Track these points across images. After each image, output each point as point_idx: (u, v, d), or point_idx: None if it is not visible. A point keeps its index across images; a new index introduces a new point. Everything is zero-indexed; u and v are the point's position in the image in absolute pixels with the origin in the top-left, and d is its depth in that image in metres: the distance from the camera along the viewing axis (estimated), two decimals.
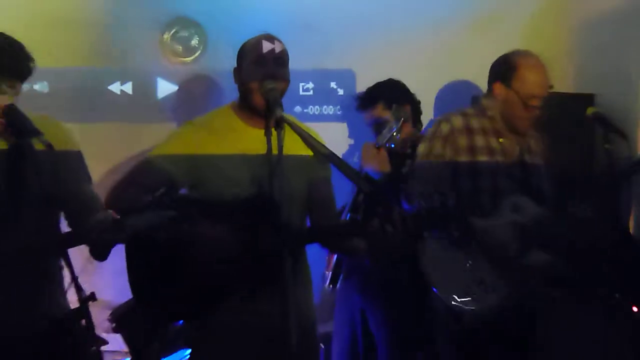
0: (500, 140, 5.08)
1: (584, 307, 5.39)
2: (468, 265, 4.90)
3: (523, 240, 4.87)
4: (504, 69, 5.11)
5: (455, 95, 6.57)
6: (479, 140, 5.08)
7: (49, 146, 4.02)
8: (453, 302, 4.94)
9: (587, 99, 6.27)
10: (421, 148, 5.17)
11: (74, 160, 4.41)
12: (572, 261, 5.12)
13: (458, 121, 5.14)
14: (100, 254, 4.23)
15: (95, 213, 4.33)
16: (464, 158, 5.06)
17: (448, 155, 5.08)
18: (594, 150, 6.15)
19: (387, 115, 5.89)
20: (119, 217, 4.28)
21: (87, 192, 4.45)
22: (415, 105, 6.06)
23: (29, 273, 4.20)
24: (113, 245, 4.21)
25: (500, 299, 4.88)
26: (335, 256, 5.81)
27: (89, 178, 4.50)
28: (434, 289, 4.99)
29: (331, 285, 6.00)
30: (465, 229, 4.61)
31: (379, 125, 5.91)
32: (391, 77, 6.09)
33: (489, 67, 5.20)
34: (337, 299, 6.00)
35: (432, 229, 4.64)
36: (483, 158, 5.05)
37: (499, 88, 5.10)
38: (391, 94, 6.00)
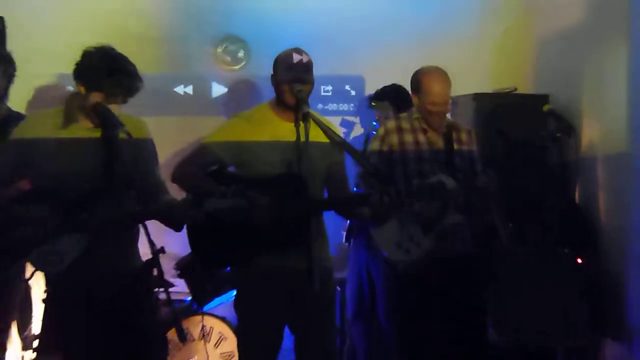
0: (427, 135, 5.10)
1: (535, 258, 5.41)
2: (402, 224, 4.95)
3: (442, 205, 4.91)
4: (414, 82, 5.15)
5: None
6: (408, 137, 5.10)
7: (129, 135, 4.05)
8: (389, 254, 5.04)
9: (543, 98, 6.23)
10: (369, 146, 5.22)
11: (147, 147, 4.42)
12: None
13: (391, 124, 5.20)
14: (178, 226, 4.26)
15: (161, 192, 4.40)
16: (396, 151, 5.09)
17: (385, 150, 5.12)
18: (546, 140, 6.14)
19: (388, 111, 5.95)
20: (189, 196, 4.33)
21: (156, 174, 4.47)
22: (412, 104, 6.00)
23: (116, 234, 4.22)
24: (190, 220, 4.25)
25: (425, 251, 4.94)
26: (348, 220, 5.85)
27: (158, 162, 4.52)
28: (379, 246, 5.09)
29: (346, 242, 6.06)
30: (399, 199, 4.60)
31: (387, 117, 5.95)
32: (394, 82, 6.10)
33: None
34: (350, 253, 6.03)
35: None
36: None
37: (413, 97, 5.16)
38: (395, 96, 6.02)
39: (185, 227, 4.37)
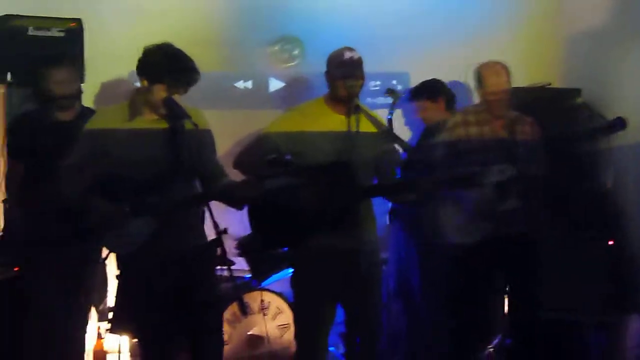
0: (492, 127, 5.01)
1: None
2: (462, 209, 4.93)
3: (501, 192, 4.81)
4: (475, 77, 5.07)
5: None
6: (473, 129, 5.03)
7: (195, 125, 4.07)
8: (449, 236, 4.99)
9: (575, 92, 6.15)
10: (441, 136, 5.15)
11: (208, 135, 4.40)
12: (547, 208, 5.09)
13: (459, 117, 5.14)
14: (240, 205, 4.22)
15: (222, 176, 4.41)
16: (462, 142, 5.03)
17: (452, 141, 5.07)
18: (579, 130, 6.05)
19: (428, 103, 5.91)
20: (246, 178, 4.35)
21: (215, 160, 4.46)
22: (449, 97, 5.96)
23: (183, 216, 4.23)
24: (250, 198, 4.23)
25: (482, 236, 4.89)
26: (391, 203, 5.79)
27: (215, 149, 4.50)
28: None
29: (390, 223, 6.00)
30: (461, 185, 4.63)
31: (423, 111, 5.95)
32: (434, 77, 6.02)
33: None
34: (391, 234, 5.97)
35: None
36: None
37: (477, 92, 5.08)
38: (430, 89, 5.96)
39: (246, 209, 4.39)
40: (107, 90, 6.30)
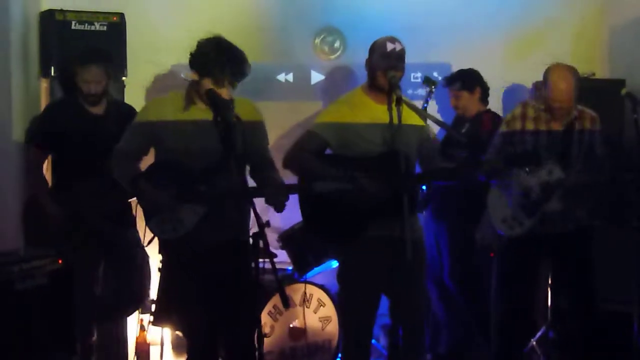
0: (550, 125, 4.95)
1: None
2: (510, 203, 4.96)
3: (547, 192, 4.84)
4: (543, 76, 4.95)
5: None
6: (530, 124, 4.97)
7: (238, 118, 4.09)
8: (496, 226, 5.02)
9: (620, 83, 6.12)
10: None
11: (258, 127, 4.46)
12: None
13: (518, 110, 5.07)
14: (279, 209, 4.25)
15: (270, 169, 4.46)
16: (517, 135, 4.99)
17: (507, 133, 5.04)
18: (624, 121, 6.01)
19: (463, 92, 5.91)
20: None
21: (265, 151, 4.53)
22: (484, 88, 5.97)
23: (230, 206, 4.26)
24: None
25: (523, 231, 4.92)
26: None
27: (267, 141, 4.57)
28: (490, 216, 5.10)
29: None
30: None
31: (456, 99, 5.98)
32: (476, 68, 5.99)
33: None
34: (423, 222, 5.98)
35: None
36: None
37: (543, 90, 4.97)
38: (468, 78, 5.96)
39: (298, 202, 4.49)
40: (158, 82, 6.37)
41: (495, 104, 6.08)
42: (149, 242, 4.47)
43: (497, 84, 6.16)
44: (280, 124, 6.07)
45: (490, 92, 6.02)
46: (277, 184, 4.31)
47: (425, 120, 4.53)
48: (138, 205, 4.49)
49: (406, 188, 4.20)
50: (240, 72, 4.20)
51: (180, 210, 4.20)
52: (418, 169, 4.68)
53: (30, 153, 5.16)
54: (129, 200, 5.08)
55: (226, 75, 4.15)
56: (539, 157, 4.52)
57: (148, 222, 4.32)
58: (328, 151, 4.62)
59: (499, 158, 4.70)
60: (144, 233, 4.60)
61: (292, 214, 4.66)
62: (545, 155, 4.78)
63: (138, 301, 5.30)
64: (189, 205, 4.19)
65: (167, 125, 4.24)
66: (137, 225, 5.09)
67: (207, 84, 4.15)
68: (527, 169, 4.81)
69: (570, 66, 5.00)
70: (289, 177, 4.57)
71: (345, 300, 4.70)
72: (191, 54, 4.24)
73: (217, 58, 4.13)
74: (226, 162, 3.99)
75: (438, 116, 6.07)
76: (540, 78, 5.24)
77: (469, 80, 5.94)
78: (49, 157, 5.27)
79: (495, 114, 5.93)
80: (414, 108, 4.44)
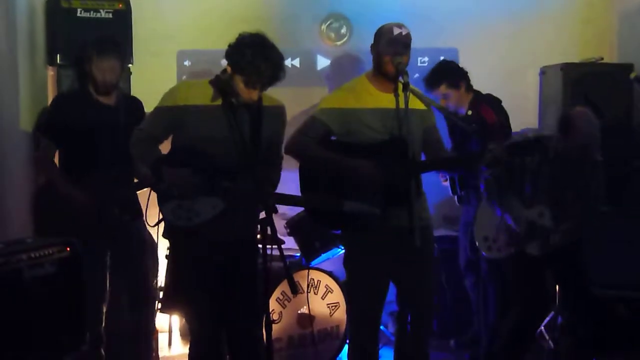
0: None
1: None
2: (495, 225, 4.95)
3: (531, 233, 4.84)
4: (564, 122, 4.86)
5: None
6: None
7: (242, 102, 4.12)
8: (475, 239, 5.07)
9: (628, 67, 6.12)
10: None
11: (279, 131, 4.45)
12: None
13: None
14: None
15: (277, 170, 4.47)
16: None
17: None
18: (632, 105, 6.01)
19: (450, 91, 5.77)
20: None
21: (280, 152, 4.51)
22: (466, 77, 5.82)
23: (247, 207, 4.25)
24: None
25: (499, 257, 4.99)
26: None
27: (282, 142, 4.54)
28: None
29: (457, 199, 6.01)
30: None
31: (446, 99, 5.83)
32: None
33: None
34: (462, 209, 5.98)
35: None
36: None
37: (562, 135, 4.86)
38: (450, 77, 5.79)
39: (300, 190, 4.50)
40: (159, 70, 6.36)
41: (500, 90, 6.00)
42: (156, 224, 4.45)
43: (504, 68, 6.13)
44: (287, 109, 6.07)
45: (496, 76, 5.98)
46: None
47: (429, 107, 4.50)
48: (146, 196, 4.48)
49: (409, 175, 4.22)
50: (275, 77, 4.12)
51: (198, 201, 4.16)
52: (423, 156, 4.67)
53: (41, 143, 5.17)
54: (136, 192, 5.11)
55: (258, 77, 4.07)
56: (541, 145, 4.51)
57: (162, 207, 4.27)
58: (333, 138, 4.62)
59: (500, 147, 4.68)
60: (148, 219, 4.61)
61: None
62: (540, 195, 4.81)
63: (151, 294, 5.30)
64: (209, 198, 4.16)
65: (193, 111, 4.16)
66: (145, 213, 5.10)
67: (239, 81, 4.08)
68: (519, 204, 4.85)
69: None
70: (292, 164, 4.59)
71: (352, 286, 4.69)
72: (230, 45, 4.14)
73: (253, 59, 4.03)
74: (251, 157, 4.00)
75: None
76: (548, 63, 5.26)
77: (452, 79, 5.79)
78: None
79: (487, 99, 5.78)
80: (418, 95, 4.42)
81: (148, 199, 4.48)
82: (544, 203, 4.83)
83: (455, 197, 5.91)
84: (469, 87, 5.83)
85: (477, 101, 5.76)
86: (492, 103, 5.73)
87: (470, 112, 5.73)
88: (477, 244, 5.08)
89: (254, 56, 4.03)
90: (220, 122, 4.13)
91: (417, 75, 6.43)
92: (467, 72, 5.84)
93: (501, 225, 4.91)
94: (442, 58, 6.36)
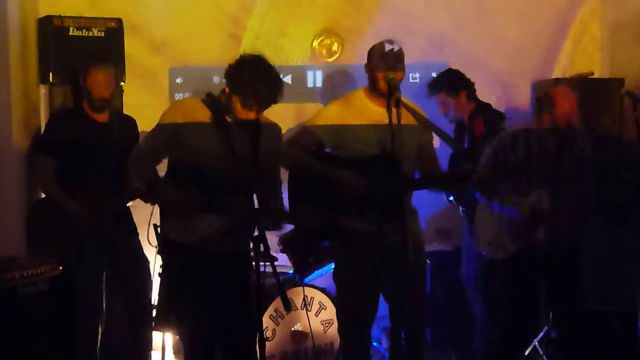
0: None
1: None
2: (497, 224, 4.89)
3: (534, 220, 4.81)
4: (546, 97, 4.86)
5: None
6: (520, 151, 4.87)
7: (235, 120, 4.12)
8: (480, 246, 5.04)
9: (619, 82, 6.19)
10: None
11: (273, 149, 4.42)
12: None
13: (508, 139, 4.94)
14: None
15: (277, 192, 4.47)
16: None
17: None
18: (622, 119, 6.07)
19: (449, 99, 5.84)
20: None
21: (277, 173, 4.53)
22: (469, 87, 5.88)
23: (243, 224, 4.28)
24: None
25: (507, 255, 4.88)
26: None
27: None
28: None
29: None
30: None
31: (445, 107, 5.92)
32: (474, 68, 6.00)
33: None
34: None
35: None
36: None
37: (544, 110, 4.86)
38: (449, 84, 5.88)
39: (288, 201, 4.49)
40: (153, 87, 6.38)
41: (492, 105, 6.03)
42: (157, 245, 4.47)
43: (495, 83, 6.16)
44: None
45: (488, 91, 6.01)
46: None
47: (424, 124, 4.47)
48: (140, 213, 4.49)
49: (399, 190, 4.25)
50: (272, 99, 4.13)
51: (196, 217, 4.19)
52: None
53: (37, 161, 5.17)
54: (129, 207, 5.13)
55: (253, 100, 4.08)
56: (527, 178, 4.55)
57: (162, 223, 4.32)
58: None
59: (488, 170, 4.71)
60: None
61: None
62: (535, 181, 4.81)
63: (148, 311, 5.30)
64: (206, 215, 4.18)
65: (191, 128, 4.16)
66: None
67: (236, 101, 4.08)
68: (516, 195, 4.83)
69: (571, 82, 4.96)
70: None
71: (342, 300, 4.71)
72: (230, 65, 4.15)
73: (250, 81, 4.03)
74: (242, 173, 4.02)
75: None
76: (538, 77, 5.29)
77: (451, 86, 5.86)
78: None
79: (486, 112, 5.82)
80: (412, 111, 4.41)
81: (150, 217, 4.50)
82: (539, 188, 4.85)
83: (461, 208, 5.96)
84: (471, 97, 5.88)
85: (475, 112, 5.81)
86: (487, 115, 5.76)
87: (467, 122, 5.80)
88: (482, 251, 5.05)
89: (252, 78, 4.03)
90: (215, 139, 4.13)
91: (408, 91, 6.47)
92: (471, 83, 5.90)
93: (502, 223, 4.90)
94: (433, 74, 6.41)
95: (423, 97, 5.93)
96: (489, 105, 5.91)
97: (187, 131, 4.16)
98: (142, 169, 4.30)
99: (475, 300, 5.91)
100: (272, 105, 4.16)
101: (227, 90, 4.16)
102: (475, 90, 5.92)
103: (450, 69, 6.02)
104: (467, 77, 5.92)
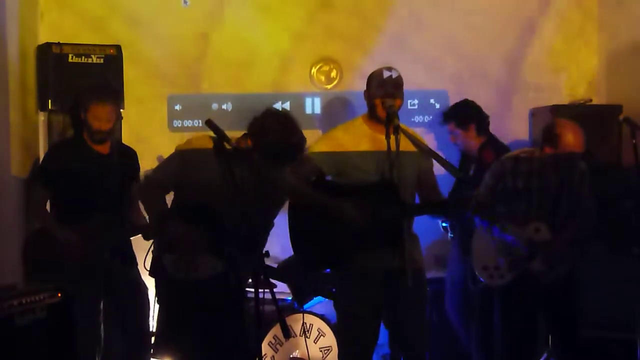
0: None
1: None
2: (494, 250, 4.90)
3: (531, 250, 4.80)
4: (548, 134, 4.81)
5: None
6: (520, 182, 4.88)
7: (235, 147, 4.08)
8: (475, 271, 5.00)
9: (617, 109, 6.21)
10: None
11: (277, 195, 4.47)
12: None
13: (509, 164, 4.95)
14: None
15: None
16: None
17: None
18: (621, 146, 6.09)
19: (458, 130, 5.89)
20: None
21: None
22: (480, 120, 5.91)
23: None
24: None
25: (504, 283, 4.89)
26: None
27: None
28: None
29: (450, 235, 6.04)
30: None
31: (454, 137, 5.96)
32: (473, 95, 6.01)
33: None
34: (451, 249, 6.00)
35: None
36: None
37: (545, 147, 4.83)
38: (460, 116, 5.92)
39: (289, 228, 4.49)
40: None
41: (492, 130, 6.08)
42: (145, 264, 4.46)
43: (494, 110, 6.16)
44: None
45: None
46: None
47: (423, 151, 4.51)
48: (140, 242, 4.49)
49: (398, 217, 4.25)
50: (293, 159, 4.20)
51: (199, 257, 4.19)
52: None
53: (35, 191, 5.17)
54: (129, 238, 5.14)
55: (271, 157, 4.14)
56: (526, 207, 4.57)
57: (163, 256, 4.31)
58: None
59: (487, 194, 4.74)
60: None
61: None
62: (533, 210, 4.81)
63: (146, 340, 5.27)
64: (210, 257, 4.18)
65: (200, 161, 4.20)
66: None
67: (258, 154, 4.13)
68: (514, 222, 4.83)
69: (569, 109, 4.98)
70: None
71: (343, 327, 4.70)
72: (255, 118, 4.20)
73: (273, 143, 4.10)
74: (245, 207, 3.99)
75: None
76: (537, 105, 5.29)
77: (462, 118, 5.89)
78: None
79: (497, 146, 5.84)
80: (411, 138, 4.45)
81: (150, 246, 4.52)
82: (537, 219, 4.84)
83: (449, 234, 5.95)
84: (482, 131, 5.90)
85: (486, 145, 5.82)
86: (497, 148, 5.76)
87: (477, 154, 5.82)
88: (477, 274, 5.01)
89: (277, 140, 4.09)
90: (220, 172, 4.08)
91: (407, 118, 6.48)
92: (484, 116, 5.93)
93: (500, 250, 4.89)
94: (431, 101, 6.43)
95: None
96: (500, 142, 5.94)
97: (195, 161, 4.21)
98: (150, 199, 4.35)
99: (464, 330, 5.91)
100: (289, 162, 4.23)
101: (249, 142, 4.17)
102: (488, 124, 5.95)
103: (467, 100, 6.02)
104: (481, 110, 5.94)
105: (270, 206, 4.36)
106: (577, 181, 4.90)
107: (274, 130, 4.10)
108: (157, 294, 4.48)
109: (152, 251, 4.38)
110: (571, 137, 4.73)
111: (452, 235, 5.96)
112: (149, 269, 4.43)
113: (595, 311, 5.16)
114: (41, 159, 5.35)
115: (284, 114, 4.24)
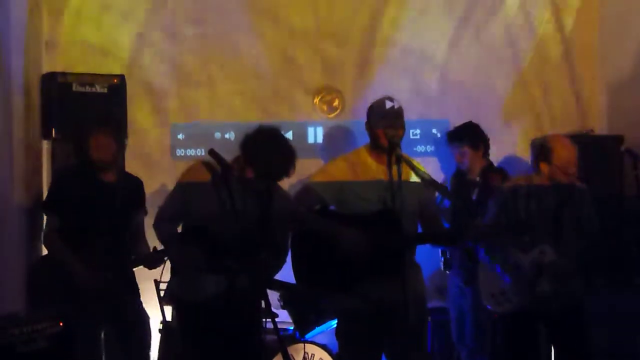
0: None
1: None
2: (499, 277, 4.91)
3: (537, 273, 4.77)
4: (542, 149, 4.89)
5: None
6: (522, 204, 4.92)
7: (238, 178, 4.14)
8: (484, 300, 5.00)
9: (618, 139, 6.21)
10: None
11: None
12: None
13: (510, 186, 5.04)
14: None
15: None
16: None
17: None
18: (622, 176, 6.07)
19: (468, 150, 5.90)
20: None
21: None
22: (486, 143, 5.98)
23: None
24: None
25: (512, 308, 4.86)
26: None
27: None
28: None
29: (445, 269, 6.02)
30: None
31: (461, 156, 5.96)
32: (476, 124, 6.03)
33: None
34: (449, 281, 5.98)
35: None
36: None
37: (540, 163, 4.90)
38: (473, 135, 5.95)
39: (290, 258, 4.50)
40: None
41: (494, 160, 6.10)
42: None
43: (494, 140, 6.17)
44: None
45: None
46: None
47: (424, 181, 4.47)
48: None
49: (399, 247, 4.25)
50: (286, 174, 4.20)
51: (204, 277, 4.21)
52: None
53: (49, 221, 5.15)
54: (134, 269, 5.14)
55: (263, 174, 4.14)
56: (529, 228, 4.56)
57: (172, 279, 4.41)
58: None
59: (492, 224, 4.73)
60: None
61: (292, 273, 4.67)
62: (537, 234, 4.80)
63: None
64: (214, 276, 4.19)
65: (201, 189, 4.22)
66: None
67: (249, 172, 4.13)
68: (518, 248, 4.83)
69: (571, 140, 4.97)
70: None
71: (344, 357, 4.69)
72: (247, 135, 4.22)
73: (265, 158, 4.12)
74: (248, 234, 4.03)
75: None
76: (538, 135, 5.29)
77: (474, 138, 5.93)
78: None
79: (501, 171, 5.89)
80: (413, 168, 4.45)
81: (161, 273, 4.51)
82: (542, 242, 4.83)
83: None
84: (486, 153, 5.95)
85: (488, 170, 5.86)
86: (500, 172, 5.84)
87: (478, 179, 5.82)
88: (485, 303, 5.01)
89: (268, 154, 4.11)
90: (222, 200, 4.15)
91: (409, 147, 6.49)
92: (488, 139, 5.97)
93: (505, 276, 4.87)
94: (433, 130, 6.44)
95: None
96: (497, 166, 6.00)
97: (196, 191, 4.23)
98: (164, 232, 4.39)
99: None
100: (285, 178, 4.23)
101: (242, 159, 4.20)
102: (489, 147, 5.99)
103: (472, 122, 6.05)
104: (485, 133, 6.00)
105: (274, 228, 4.33)
106: (577, 200, 4.91)
107: (267, 145, 4.13)
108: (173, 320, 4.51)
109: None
110: (564, 151, 4.81)
111: (448, 272, 5.96)
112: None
113: (598, 342, 5.13)
114: (47, 187, 5.35)
115: (274, 129, 4.23)
